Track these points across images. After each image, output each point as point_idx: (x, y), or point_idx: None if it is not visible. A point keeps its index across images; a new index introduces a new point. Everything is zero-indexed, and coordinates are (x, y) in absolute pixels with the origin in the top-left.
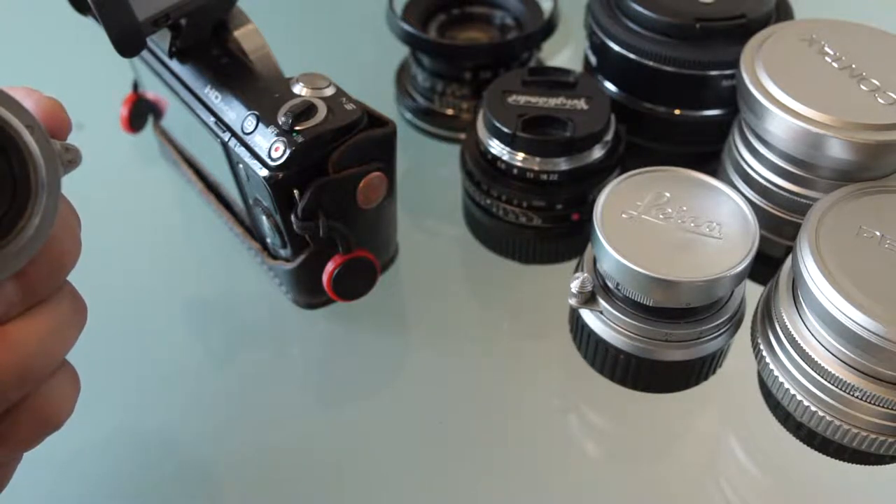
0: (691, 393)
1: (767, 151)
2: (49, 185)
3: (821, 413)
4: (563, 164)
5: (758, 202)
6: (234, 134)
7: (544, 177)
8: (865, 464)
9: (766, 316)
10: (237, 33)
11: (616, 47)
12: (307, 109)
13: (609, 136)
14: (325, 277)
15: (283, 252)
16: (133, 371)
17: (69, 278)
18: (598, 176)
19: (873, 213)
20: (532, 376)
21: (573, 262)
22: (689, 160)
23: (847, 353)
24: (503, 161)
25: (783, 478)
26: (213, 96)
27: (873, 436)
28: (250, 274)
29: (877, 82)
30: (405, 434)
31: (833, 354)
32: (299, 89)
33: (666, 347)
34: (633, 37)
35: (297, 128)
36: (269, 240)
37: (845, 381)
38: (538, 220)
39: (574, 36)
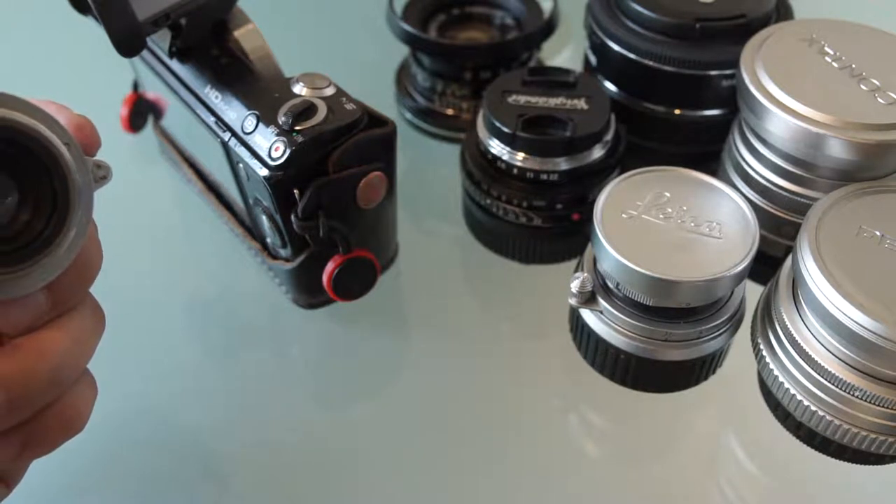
0: (691, 393)
1: (767, 151)
2: (84, 199)
3: (821, 413)
4: (563, 164)
5: (758, 202)
6: (234, 134)
7: (544, 177)
8: (865, 464)
9: (766, 316)
10: (237, 33)
11: (616, 47)
12: (307, 109)
13: (609, 136)
14: (325, 277)
15: (283, 252)
16: (133, 370)
17: None
18: (598, 176)
19: (873, 213)
20: (532, 376)
21: (573, 262)
22: (689, 160)
23: (847, 353)
24: (503, 161)
25: (783, 478)
26: (213, 96)
27: (873, 436)
28: (250, 274)
29: (877, 82)
30: (405, 434)
31: (833, 354)
32: (299, 89)
33: (666, 347)
34: (633, 37)
35: (297, 128)
36: (269, 240)
37: (845, 381)
38: (538, 220)
39: (574, 36)
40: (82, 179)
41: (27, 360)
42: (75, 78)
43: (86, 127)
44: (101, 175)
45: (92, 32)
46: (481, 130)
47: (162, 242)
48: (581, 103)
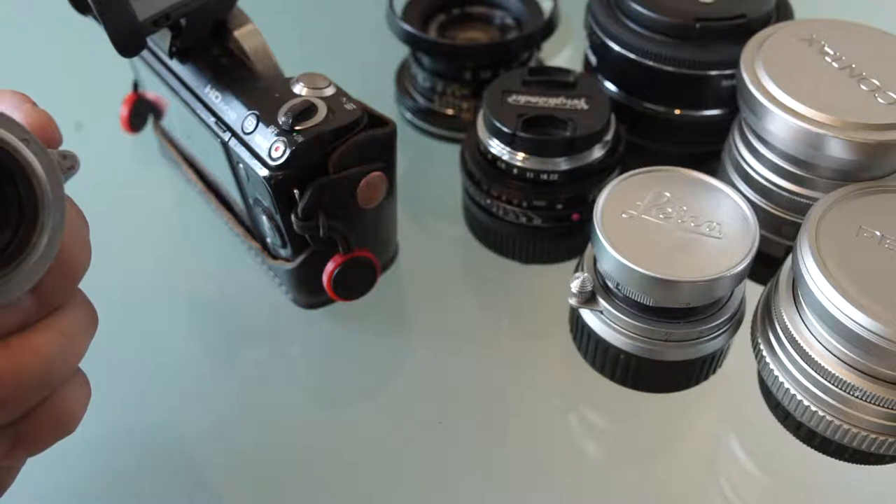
0: (691, 393)
1: (767, 151)
2: (54, 195)
3: (821, 413)
4: (563, 164)
5: (758, 202)
6: (234, 134)
7: (544, 177)
8: (865, 464)
9: (766, 316)
10: (237, 33)
11: (616, 47)
12: (307, 109)
13: (609, 136)
14: (325, 277)
15: (283, 252)
16: (133, 370)
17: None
18: (598, 176)
19: (873, 213)
20: (532, 376)
21: (573, 262)
22: (689, 160)
23: (847, 353)
24: (503, 161)
25: (783, 478)
26: (213, 96)
27: (873, 436)
28: (250, 274)
29: (877, 82)
30: (405, 434)
31: (833, 354)
32: (299, 89)
33: (666, 347)
34: (633, 37)
35: (297, 128)
36: (269, 240)
37: (845, 381)
38: (538, 220)
39: (574, 36)
40: (49, 175)
41: (17, 358)
42: (75, 78)
43: (45, 122)
44: (69, 166)
45: (92, 32)
46: (481, 130)
47: (162, 242)
48: (581, 103)
